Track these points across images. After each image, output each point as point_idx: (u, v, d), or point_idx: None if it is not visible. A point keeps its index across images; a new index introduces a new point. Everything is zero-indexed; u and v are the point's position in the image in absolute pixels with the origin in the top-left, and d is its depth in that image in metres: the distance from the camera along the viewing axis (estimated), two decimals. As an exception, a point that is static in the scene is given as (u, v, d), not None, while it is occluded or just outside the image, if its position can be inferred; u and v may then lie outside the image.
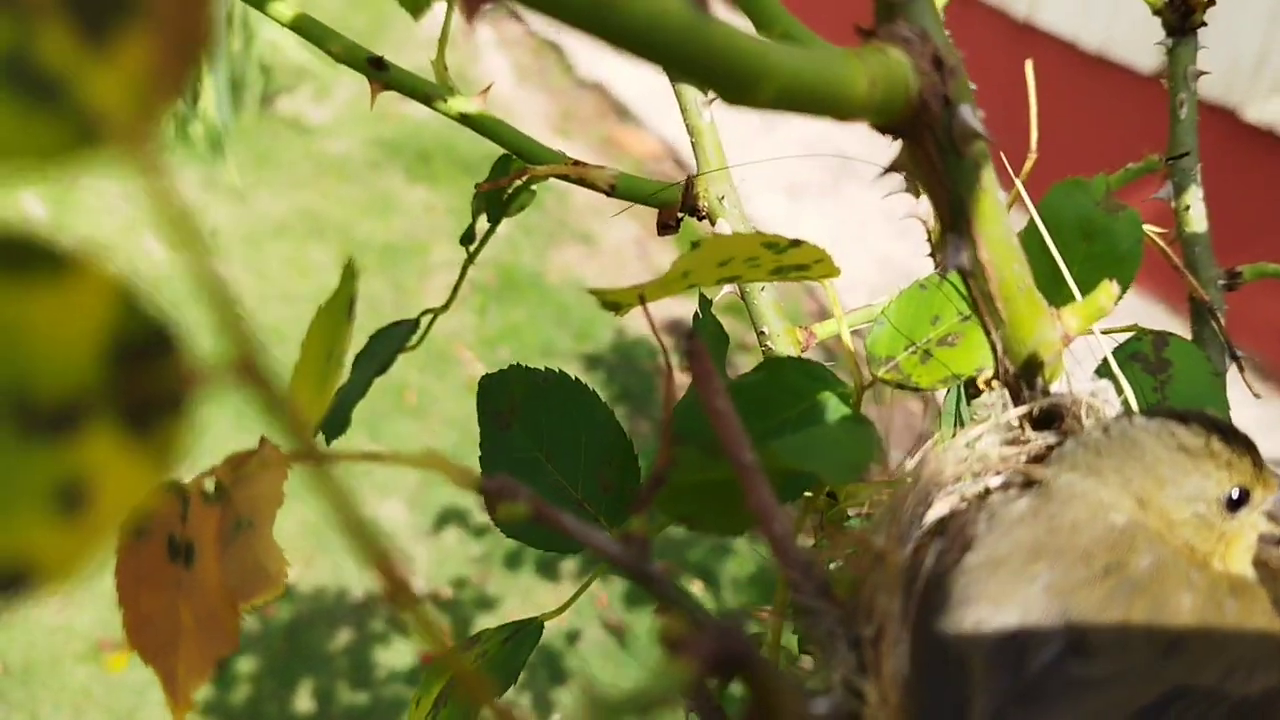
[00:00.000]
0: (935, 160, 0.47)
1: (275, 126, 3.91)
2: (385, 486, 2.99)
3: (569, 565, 2.92)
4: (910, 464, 0.51)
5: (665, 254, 3.42)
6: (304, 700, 2.61)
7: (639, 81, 3.84)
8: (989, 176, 0.48)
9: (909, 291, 0.64)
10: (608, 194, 0.80)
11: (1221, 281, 0.76)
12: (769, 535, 0.45)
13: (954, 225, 0.48)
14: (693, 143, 0.82)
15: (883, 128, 0.47)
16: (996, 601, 0.43)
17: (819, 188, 3.58)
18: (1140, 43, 2.78)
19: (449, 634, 2.82)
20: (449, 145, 3.55)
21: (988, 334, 0.52)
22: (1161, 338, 0.75)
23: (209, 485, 0.47)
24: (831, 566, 0.48)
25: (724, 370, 0.70)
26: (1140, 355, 0.75)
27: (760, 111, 0.41)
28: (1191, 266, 0.75)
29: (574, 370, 3.36)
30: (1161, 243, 0.76)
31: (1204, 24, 0.75)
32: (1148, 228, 0.77)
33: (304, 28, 0.79)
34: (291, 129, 3.86)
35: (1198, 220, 0.76)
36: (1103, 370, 0.61)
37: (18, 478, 0.20)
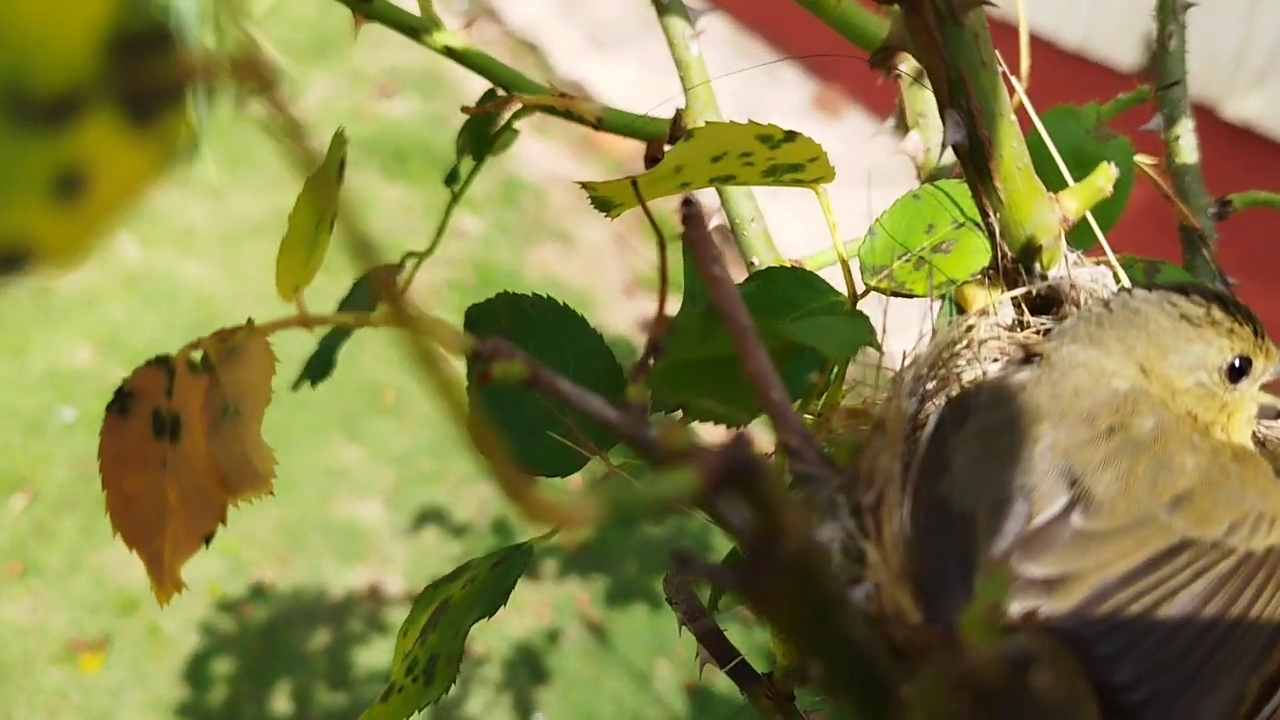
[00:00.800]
0: (933, 29, 0.46)
1: (250, 125, 3.90)
2: (363, 487, 2.97)
3: (550, 565, 2.90)
4: (909, 350, 0.50)
5: (644, 252, 3.43)
6: (282, 701, 2.58)
7: (618, 82, 3.85)
8: (989, 50, 0.48)
9: (902, 201, 0.63)
10: (595, 127, 0.80)
11: (1212, 210, 0.76)
12: (766, 402, 0.44)
13: (952, 100, 0.48)
14: (681, 77, 0.81)
15: (881, -7, 0.46)
16: (999, 461, 0.43)
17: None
18: (1119, 39, 2.80)
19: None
20: (425, 144, 3.55)
21: (985, 217, 0.51)
22: (1153, 265, 0.74)
23: (195, 356, 0.46)
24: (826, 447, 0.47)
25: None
26: (1132, 281, 0.74)
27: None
28: (1182, 195, 0.75)
29: (553, 369, 3.35)
30: (1152, 173, 0.75)
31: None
32: (1139, 158, 0.76)
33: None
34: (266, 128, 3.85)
35: (1188, 150, 0.76)
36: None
37: (18, 164, 0.20)
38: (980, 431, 0.44)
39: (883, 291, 0.61)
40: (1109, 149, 0.76)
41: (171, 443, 0.46)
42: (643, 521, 0.38)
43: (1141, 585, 0.39)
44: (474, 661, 2.64)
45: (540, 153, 3.87)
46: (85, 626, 2.59)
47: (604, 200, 0.56)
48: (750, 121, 0.54)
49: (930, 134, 0.82)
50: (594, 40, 4.09)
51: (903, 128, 0.84)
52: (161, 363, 0.46)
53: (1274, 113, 2.59)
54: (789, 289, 0.62)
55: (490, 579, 0.68)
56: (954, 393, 0.49)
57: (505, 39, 4.27)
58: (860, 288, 0.62)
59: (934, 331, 0.50)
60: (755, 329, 0.44)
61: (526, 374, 0.42)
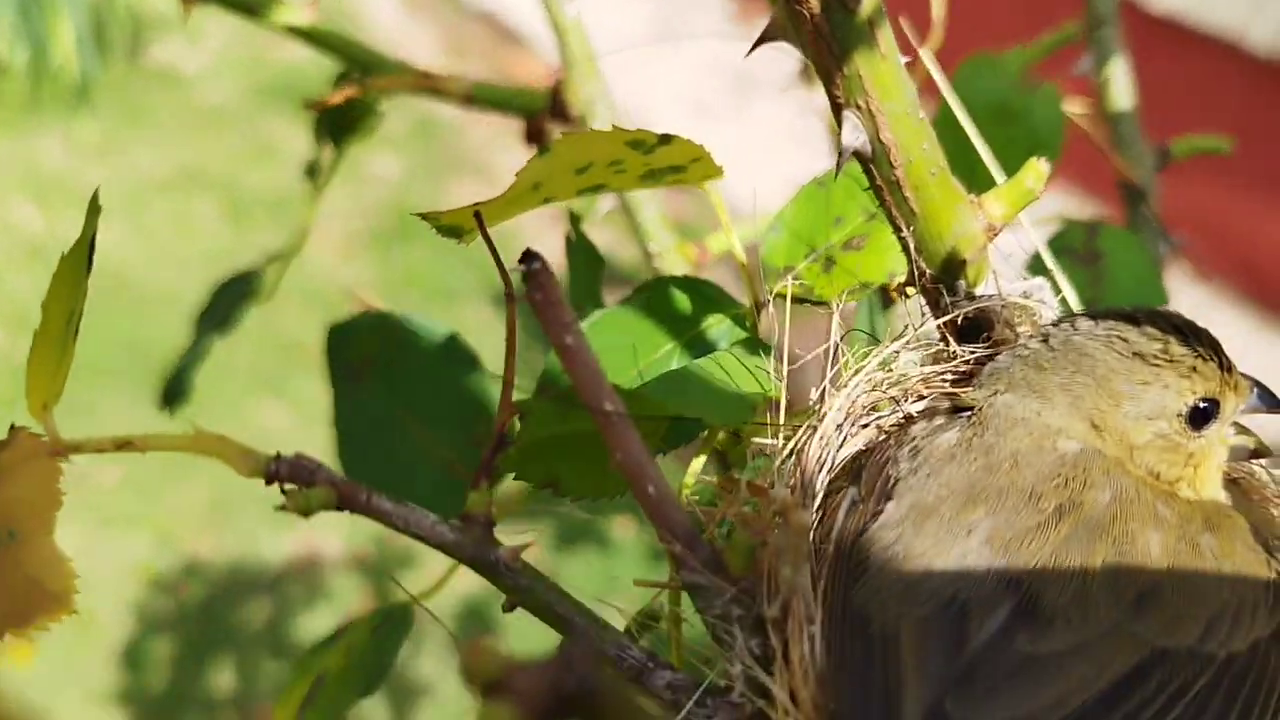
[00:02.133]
0: (818, 19, 0.37)
1: (147, 78, 3.71)
2: (290, 446, 2.87)
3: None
4: (815, 395, 0.42)
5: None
6: (226, 679, 2.51)
7: (528, 8, 3.69)
8: (887, 40, 0.39)
9: (806, 190, 0.55)
10: (467, 105, 0.70)
11: (1151, 161, 0.68)
12: (641, 498, 0.36)
13: (848, 99, 0.39)
14: (559, 43, 0.72)
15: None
16: (927, 559, 0.35)
17: (724, 107, 3.48)
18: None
19: (371, 596, 2.73)
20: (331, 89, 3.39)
21: (898, 232, 0.43)
22: (1092, 227, 0.67)
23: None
24: (725, 530, 0.39)
25: (597, 297, 0.61)
26: (1069, 248, 0.67)
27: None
28: (1118, 145, 0.67)
29: (484, 311, 3.24)
30: (1084, 123, 0.68)
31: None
32: (1069, 106, 0.68)
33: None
34: (165, 80, 3.66)
35: (1123, 95, 0.68)
36: (1035, 268, 0.53)
37: None
38: (901, 518, 0.36)
39: (787, 299, 0.53)
40: (1035, 100, 0.68)
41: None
42: None
43: (1106, 721, 0.32)
44: (424, 620, 2.58)
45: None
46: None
47: (451, 229, 0.47)
48: (615, 128, 0.45)
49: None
50: None
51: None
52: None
53: (1197, 4, 2.52)
54: (680, 304, 0.54)
55: (369, 647, 0.60)
56: (871, 449, 0.41)
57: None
58: (764, 295, 0.54)
59: (843, 364, 0.42)
60: (623, 411, 0.36)
61: (333, 500, 0.34)
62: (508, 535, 0.37)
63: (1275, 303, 2.72)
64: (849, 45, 0.38)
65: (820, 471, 0.39)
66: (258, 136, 3.30)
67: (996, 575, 0.34)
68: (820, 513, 0.38)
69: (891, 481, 0.38)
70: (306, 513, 0.33)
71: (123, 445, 0.35)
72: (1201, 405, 0.39)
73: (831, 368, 0.43)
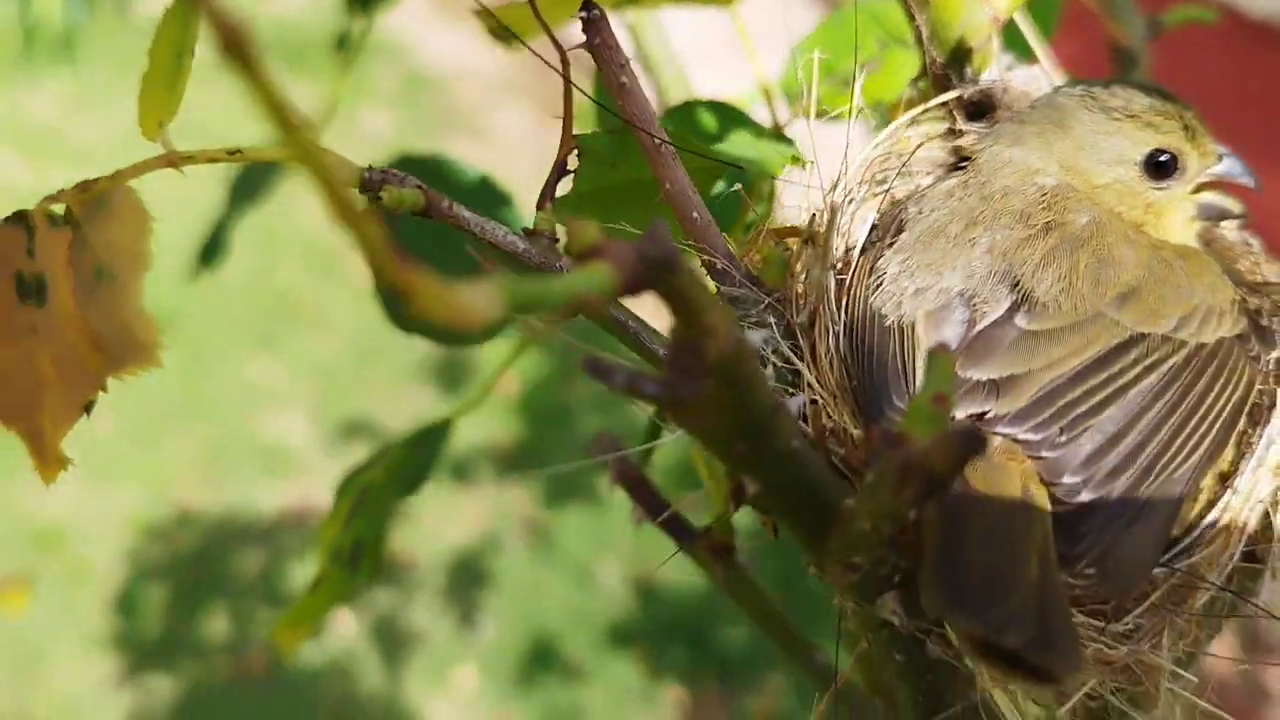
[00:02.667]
0: None
1: (137, 29, 3.73)
2: (286, 401, 2.91)
3: (486, 468, 2.87)
4: (839, 168, 0.47)
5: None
6: (220, 625, 2.54)
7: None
8: None
9: (826, 23, 0.60)
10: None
11: (1142, 29, 0.73)
12: (686, 222, 0.41)
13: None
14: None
15: None
16: (937, 268, 0.40)
17: None
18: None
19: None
20: (326, 37, 3.39)
21: (910, 19, 0.48)
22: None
23: (56, 209, 0.42)
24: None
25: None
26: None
27: None
28: (1112, 13, 0.72)
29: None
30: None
31: None
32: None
33: None
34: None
35: (1116, -32, 0.73)
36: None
37: None
38: (913, 241, 0.41)
39: (808, 118, 0.58)
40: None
41: (39, 305, 0.42)
42: (550, 313, 0.35)
43: (1092, 383, 0.37)
44: (416, 571, 2.62)
45: (446, 41, 3.75)
46: (4, 564, 2.52)
47: (501, 30, 0.51)
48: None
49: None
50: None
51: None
52: (18, 219, 0.42)
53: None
54: (709, 123, 0.59)
55: (409, 458, 0.64)
56: (885, 207, 0.46)
57: None
58: (785, 117, 0.59)
59: (864, 147, 0.47)
60: (671, 144, 0.41)
61: (420, 201, 0.38)
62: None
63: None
64: None
65: (843, 217, 0.44)
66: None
67: (998, 275, 0.39)
68: (843, 244, 0.43)
69: (903, 220, 0.43)
70: (399, 207, 0.38)
71: (234, 153, 0.39)
72: (1160, 158, 0.44)
73: (849, 154, 0.48)
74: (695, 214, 0.41)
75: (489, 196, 0.67)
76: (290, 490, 2.73)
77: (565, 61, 0.42)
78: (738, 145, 0.48)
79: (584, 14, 0.41)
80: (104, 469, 2.72)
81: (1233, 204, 0.46)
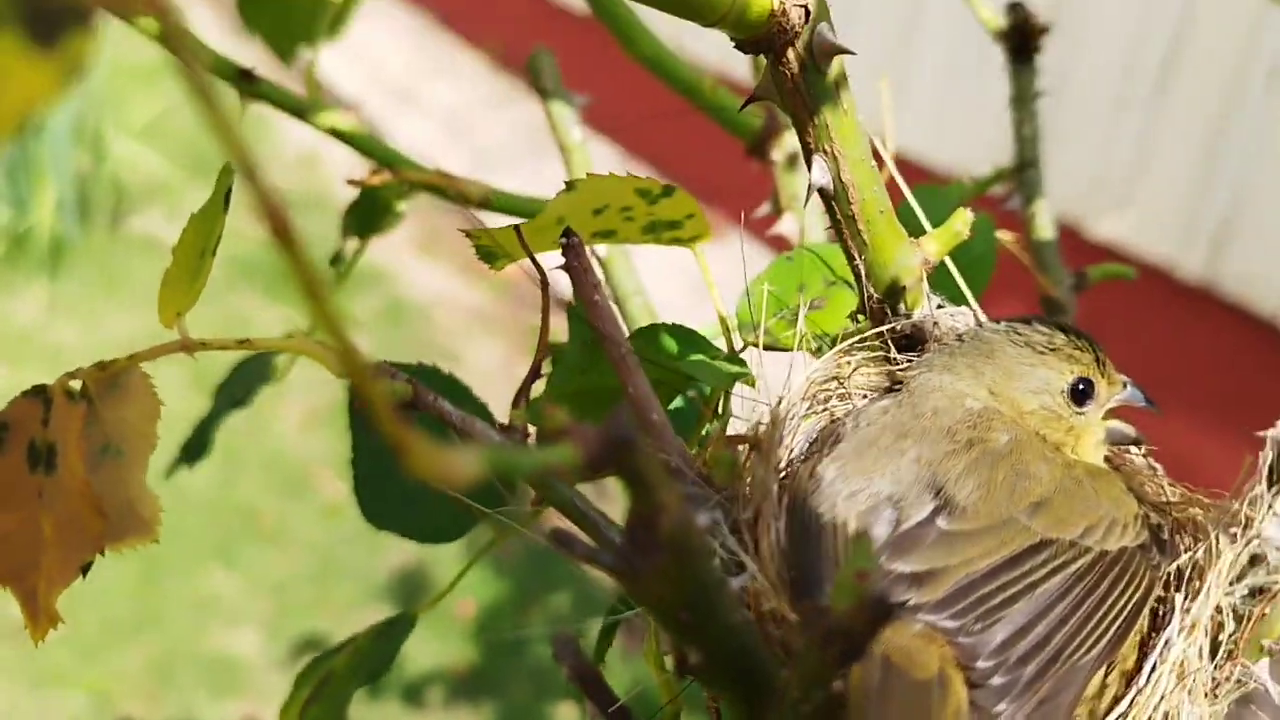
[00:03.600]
0: (797, 77, 0.49)
1: (127, 246, 3.85)
2: (239, 617, 2.87)
3: (436, 693, 2.83)
4: (784, 386, 0.52)
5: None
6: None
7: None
8: (849, 98, 0.51)
9: (777, 264, 0.66)
10: (480, 207, 0.82)
11: (1069, 282, 0.81)
12: (647, 423, 0.46)
13: (817, 145, 0.51)
14: (564, 161, 0.84)
15: (743, 44, 0.49)
16: (868, 474, 0.45)
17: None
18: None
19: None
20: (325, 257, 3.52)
21: (851, 260, 0.54)
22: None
23: (74, 385, 0.46)
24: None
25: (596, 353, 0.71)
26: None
27: None
28: (1042, 268, 0.80)
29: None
30: (1013, 248, 0.80)
31: (1039, 50, 0.82)
32: (1000, 233, 0.81)
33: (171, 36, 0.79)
34: (144, 249, 3.80)
35: (1045, 227, 0.81)
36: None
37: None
38: (849, 451, 0.46)
39: (758, 346, 0.64)
40: (973, 225, 0.81)
41: (47, 473, 0.46)
42: (522, 481, 0.38)
43: (1004, 579, 0.41)
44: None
45: (427, 274, 3.88)
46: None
47: (488, 251, 0.57)
48: (628, 174, 0.56)
49: (803, 216, 0.86)
50: (483, 164, 4.17)
51: (777, 211, 0.88)
52: (39, 392, 0.46)
53: (1135, 235, 2.74)
54: (670, 344, 0.64)
55: (373, 648, 0.67)
56: (825, 424, 0.51)
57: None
58: (738, 344, 0.64)
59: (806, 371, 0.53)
60: (635, 355, 0.46)
61: (409, 393, 0.43)
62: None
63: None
64: (819, 100, 0.50)
65: (785, 434, 0.49)
66: (230, 307, 3.41)
67: (923, 482, 0.44)
68: (785, 460, 0.48)
69: (840, 434, 0.48)
70: (390, 399, 0.42)
71: (243, 343, 0.44)
72: (1080, 386, 0.49)
73: (793, 374, 0.54)
74: (655, 416, 0.45)
75: (469, 403, 0.72)
76: (238, 708, 2.67)
77: (545, 281, 0.47)
78: (695, 364, 0.53)
79: (564, 240, 0.47)
80: (47, 676, 2.66)
81: (1132, 431, 0.51)
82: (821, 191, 0.52)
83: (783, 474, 0.47)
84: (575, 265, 0.46)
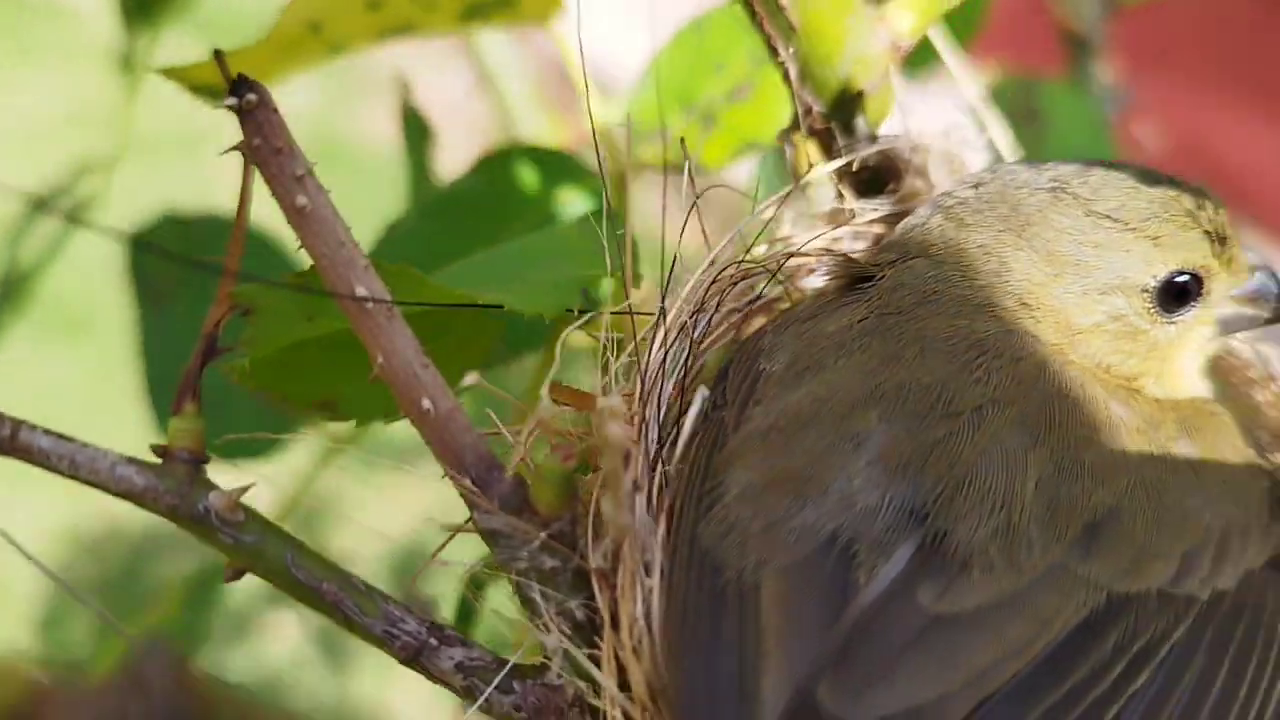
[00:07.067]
0: None
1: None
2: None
3: None
4: (672, 278, 0.32)
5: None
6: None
7: None
8: None
9: (682, 34, 0.45)
10: None
11: (1097, 7, 0.59)
12: (413, 417, 0.27)
13: None
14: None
15: None
16: (799, 485, 0.25)
17: None
18: None
19: None
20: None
21: (774, 55, 0.33)
22: (1029, 85, 0.58)
23: None
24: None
25: (425, 173, 0.50)
26: (1009, 117, 0.58)
27: None
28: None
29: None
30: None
31: None
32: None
33: None
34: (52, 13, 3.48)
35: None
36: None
37: None
38: (769, 429, 0.27)
39: (657, 168, 0.43)
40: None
41: None
42: None
43: (1048, 702, 0.22)
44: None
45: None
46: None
47: (207, 87, 0.36)
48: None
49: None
50: None
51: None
52: None
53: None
54: (526, 180, 0.44)
55: None
56: (740, 342, 0.31)
57: None
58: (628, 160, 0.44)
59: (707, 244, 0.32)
60: (385, 297, 0.26)
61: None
62: (230, 472, 0.27)
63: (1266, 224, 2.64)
64: None
65: (669, 371, 0.29)
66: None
67: (894, 503, 0.24)
68: (669, 429, 0.28)
69: (761, 380, 0.28)
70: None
71: None
72: (1178, 280, 0.29)
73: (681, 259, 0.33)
74: (427, 402, 0.26)
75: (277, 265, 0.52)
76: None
77: (247, 174, 0.27)
78: (504, 266, 0.33)
79: (234, 100, 0.26)
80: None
81: (1264, 305, 0.31)
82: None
83: (664, 474, 0.28)
84: (259, 145, 0.26)
